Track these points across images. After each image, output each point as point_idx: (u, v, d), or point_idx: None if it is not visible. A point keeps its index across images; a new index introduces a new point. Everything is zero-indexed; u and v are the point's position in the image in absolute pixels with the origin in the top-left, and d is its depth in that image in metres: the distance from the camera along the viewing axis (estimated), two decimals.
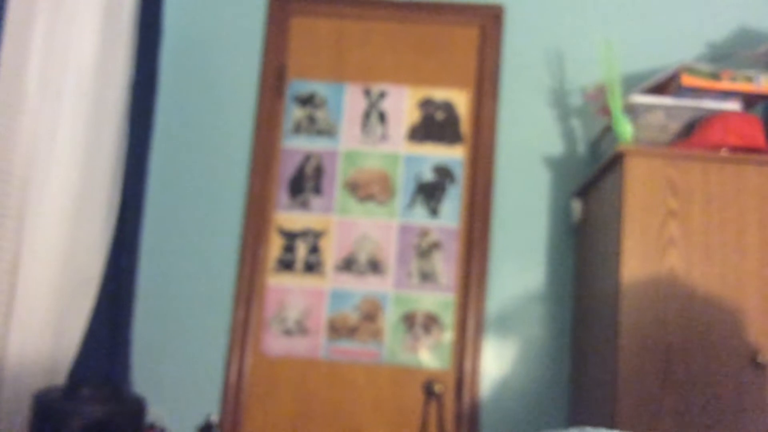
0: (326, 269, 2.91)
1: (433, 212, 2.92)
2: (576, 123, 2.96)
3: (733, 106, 2.47)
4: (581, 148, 2.95)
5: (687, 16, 3.00)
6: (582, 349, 2.62)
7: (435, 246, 2.89)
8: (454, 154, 2.96)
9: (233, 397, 2.84)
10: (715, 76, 2.44)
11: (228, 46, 3.10)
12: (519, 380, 2.80)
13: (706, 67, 2.47)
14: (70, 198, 2.40)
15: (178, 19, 3.11)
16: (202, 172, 3.02)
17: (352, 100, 3.03)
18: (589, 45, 3.00)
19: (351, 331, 2.86)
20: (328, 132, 3.01)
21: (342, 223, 2.94)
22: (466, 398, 2.78)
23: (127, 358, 2.77)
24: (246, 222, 2.95)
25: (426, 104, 3.00)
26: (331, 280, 2.90)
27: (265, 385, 2.86)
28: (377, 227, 2.92)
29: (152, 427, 2.78)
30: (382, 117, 3.00)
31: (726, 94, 2.47)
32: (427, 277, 2.88)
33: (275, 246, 2.95)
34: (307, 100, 3.04)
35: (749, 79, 2.45)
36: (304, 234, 2.94)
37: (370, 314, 2.87)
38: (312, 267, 2.91)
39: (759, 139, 2.37)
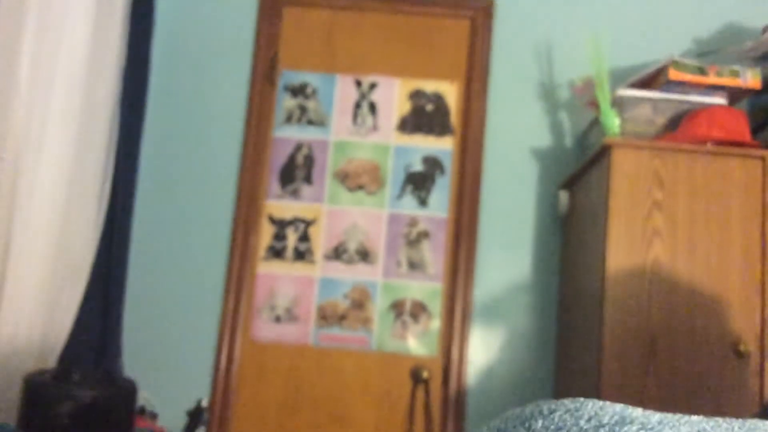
0: (316, 257, 2.94)
1: (422, 202, 2.95)
2: (564, 116, 3.00)
3: (719, 100, 2.52)
4: (569, 140, 2.99)
5: (675, 12, 3.04)
6: (567, 337, 2.66)
7: (423, 235, 2.93)
8: (443, 146, 2.99)
9: (223, 382, 2.86)
10: (701, 71, 2.49)
11: (220, 36, 3.12)
12: (505, 367, 2.84)
13: (693, 62, 2.51)
14: (62, 185, 2.42)
15: (170, 8, 3.13)
16: (193, 160, 3.04)
17: (343, 91, 3.05)
18: (578, 39, 3.04)
19: (340, 319, 2.90)
20: (319, 122, 3.03)
21: (332, 213, 2.97)
22: (453, 384, 2.82)
23: (118, 344, 2.80)
24: (237, 210, 2.97)
25: (416, 96, 3.03)
26: (321, 269, 2.94)
27: (255, 371, 2.89)
28: (367, 217, 2.96)
29: (143, 410, 2.80)
30: (373, 108, 3.03)
31: (712, 89, 2.52)
32: (415, 266, 2.91)
33: (265, 234, 2.97)
34: (298, 91, 3.06)
35: (735, 74, 2.49)
36: (294, 222, 2.97)
37: (359, 302, 2.90)
38: (302, 255, 2.94)
39: (744, 133, 2.42)
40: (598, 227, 2.37)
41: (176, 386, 2.88)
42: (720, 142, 2.38)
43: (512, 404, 2.82)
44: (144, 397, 2.82)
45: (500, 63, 3.04)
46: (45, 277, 2.36)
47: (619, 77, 2.92)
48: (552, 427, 0.73)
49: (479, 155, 2.96)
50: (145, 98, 2.96)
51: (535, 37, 3.06)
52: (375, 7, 3.08)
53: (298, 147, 3.02)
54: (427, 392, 2.83)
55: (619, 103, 2.50)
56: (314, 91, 3.05)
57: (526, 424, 0.74)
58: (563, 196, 2.80)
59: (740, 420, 0.97)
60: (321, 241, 2.95)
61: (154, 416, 2.81)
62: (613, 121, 2.45)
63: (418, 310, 2.89)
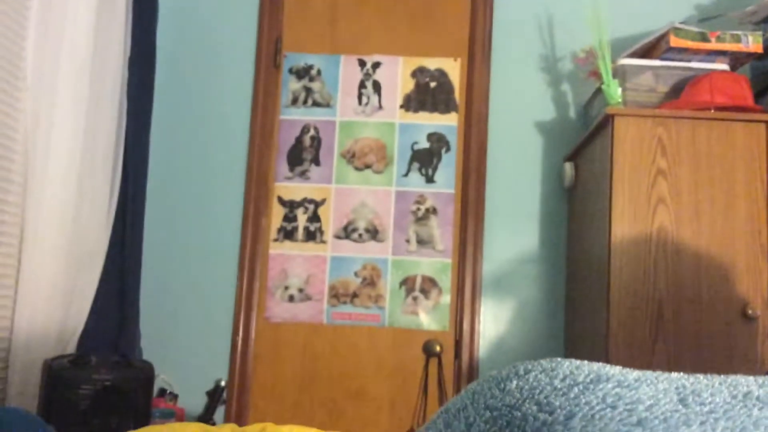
0: (326, 237, 2.98)
1: (429, 179, 2.98)
2: (567, 88, 3.01)
3: (721, 66, 2.51)
4: (572, 112, 2.99)
5: None
6: (575, 307, 2.68)
7: (431, 212, 2.95)
8: (448, 122, 3.01)
9: (240, 362, 2.91)
10: (702, 37, 2.48)
11: (224, 20, 3.14)
12: (515, 339, 2.87)
13: (693, 29, 2.50)
14: (72, 174, 2.45)
15: None
16: (202, 146, 3.08)
17: (347, 72, 3.07)
18: (579, 10, 3.04)
19: (352, 297, 2.93)
20: (325, 103, 3.06)
21: (340, 192, 3.00)
22: (465, 357, 2.85)
23: (135, 327, 2.85)
24: (247, 193, 3.01)
25: (419, 73, 3.05)
26: (332, 248, 2.97)
27: (271, 350, 2.94)
28: (375, 195, 2.98)
29: (164, 392, 2.86)
30: (377, 87, 3.04)
31: (714, 54, 2.51)
32: (424, 242, 2.94)
33: (276, 216, 3.01)
34: (303, 73, 3.08)
35: (737, 39, 2.48)
36: (303, 203, 3.00)
37: (371, 279, 2.93)
38: (312, 235, 2.98)
39: (746, 98, 2.41)
40: (603, 197, 2.38)
41: (195, 368, 2.93)
42: (723, 108, 2.37)
43: None
44: (163, 380, 2.89)
45: (502, 37, 3.05)
46: (60, 265, 2.41)
47: (620, 47, 2.91)
48: (526, 387, 0.75)
49: (484, 130, 2.97)
50: (153, 86, 3.00)
51: (536, 10, 3.06)
52: None
53: (305, 129, 3.05)
54: (439, 366, 2.87)
55: (620, 73, 2.50)
56: (319, 73, 3.07)
57: (501, 385, 0.76)
58: (568, 168, 2.81)
59: (722, 376, 0.96)
60: (331, 220, 2.98)
61: (174, 397, 2.87)
62: (615, 91, 2.45)
63: (429, 285, 2.92)
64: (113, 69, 2.68)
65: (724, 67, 2.51)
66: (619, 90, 2.45)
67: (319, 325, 2.94)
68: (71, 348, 2.51)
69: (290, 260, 2.98)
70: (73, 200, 2.45)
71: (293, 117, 3.06)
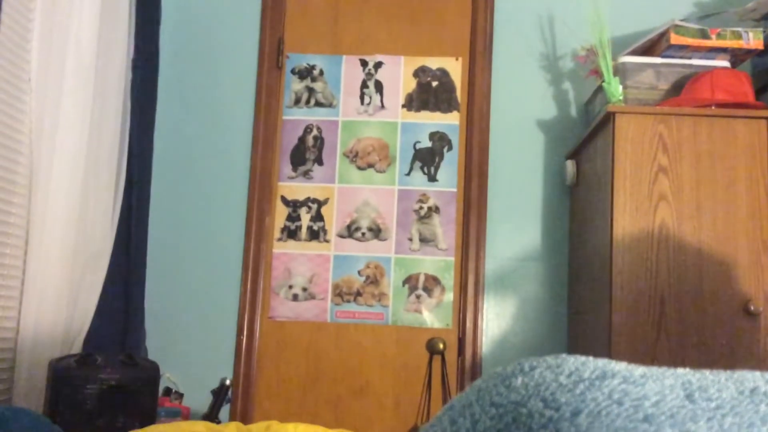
0: (330, 236, 2.99)
1: (431, 178, 2.99)
2: (568, 86, 3.02)
3: (722, 62, 2.52)
4: (574, 110, 3.00)
5: None
6: (578, 303, 2.69)
7: (434, 210, 2.96)
8: (449, 121, 3.02)
9: (245, 361, 2.93)
10: (703, 34, 2.49)
11: (226, 22, 3.15)
12: (518, 336, 2.88)
13: (694, 26, 2.51)
14: (77, 174, 2.46)
15: None
16: (205, 147, 3.09)
17: (349, 72, 3.08)
18: (580, 8, 3.04)
19: (356, 295, 2.95)
20: (327, 103, 3.07)
21: (343, 191, 3.01)
22: (468, 355, 2.87)
23: (140, 327, 2.86)
24: (251, 193, 3.02)
25: (421, 73, 3.06)
26: (335, 247, 2.98)
27: (276, 348, 2.95)
28: (377, 194, 2.99)
29: (169, 391, 2.87)
30: (379, 87, 3.05)
31: (714, 51, 2.52)
32: (427, 240, 2.95)
33: (280, 215, 3.02)
34: (305, 73, 3.09)
35: (737, 36, 2.49)
36: (306, 203, 3.01)
37: (374, 278, 2.95)
38: (316, 234, 2.99)
39: (747, 94, 2.42)
40: (605, 194, 2.39)
41: (200, 367, 2.95)
42: (723, 105, 2.38)
43: None
44: (169, 379, 2.90)
45: (503, 36, 3.06)
46: (66, 265, 2.42)
47: (621, 44, 2.92)
48: (531, 383, 0.75)
49: (486, 129, 2.98)
50: (156, 87, 3.01)
51: (537, 9, 3.06)
52: None
53: (308, 129, 3.06)
54: (443, 363, 2.88)
55: (621, 71, 2.51)
56: (321, 73, 3.09)
57: (506, 382, 0.76)
58: (570, 166, 2.82)
59: (728, 372, 0.96)
60: (334, 219, 3.00)
61: (179, 396, 2.88)
62: (616, 89, 2.46)
63: (432, 283, 2.93)
64: (117, 70, 2.69)
65: (725, 64, 2.52)
66: (620, 88, 2.46)
67: (323, 324, 2.95)
68: (77, 348, 2.52)
69: (294, 259, 2.99)
70: (77, 201, 2.46)
71: (296, 117, 3.07)
